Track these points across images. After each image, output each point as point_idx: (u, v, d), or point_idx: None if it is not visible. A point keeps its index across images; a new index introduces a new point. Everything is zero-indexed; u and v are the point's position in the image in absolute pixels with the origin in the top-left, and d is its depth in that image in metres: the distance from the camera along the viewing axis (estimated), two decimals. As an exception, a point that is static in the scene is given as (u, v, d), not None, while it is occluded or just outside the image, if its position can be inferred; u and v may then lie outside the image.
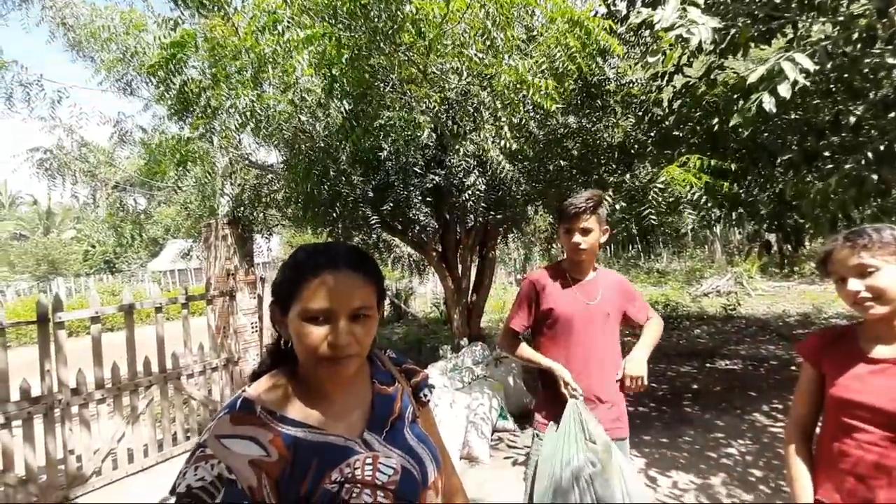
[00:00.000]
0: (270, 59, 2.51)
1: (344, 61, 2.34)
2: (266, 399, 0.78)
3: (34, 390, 3.26)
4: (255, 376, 0.85)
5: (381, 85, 2.63)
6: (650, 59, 2.38)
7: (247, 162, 3.87)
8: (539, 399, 1.92)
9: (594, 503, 1.56)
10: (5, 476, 3.07)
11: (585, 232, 1.75)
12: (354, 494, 0.73)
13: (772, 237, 3.92)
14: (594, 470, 1.59)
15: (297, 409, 0.79)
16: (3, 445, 3.08)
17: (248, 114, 2.65)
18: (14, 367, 3.18)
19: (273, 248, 4.86)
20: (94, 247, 26.20)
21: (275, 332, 0.87)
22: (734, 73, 3.86)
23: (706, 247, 16.84)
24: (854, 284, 1.12)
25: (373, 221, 3.75)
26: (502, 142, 2.58)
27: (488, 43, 2.42)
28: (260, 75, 2.71)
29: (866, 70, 2.95)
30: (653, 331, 1.93)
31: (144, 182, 4.83)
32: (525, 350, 1.91)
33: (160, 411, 3.91)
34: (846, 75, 3.15)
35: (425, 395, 0.98)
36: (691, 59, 3.42)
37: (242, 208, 3.93)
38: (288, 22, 2.28)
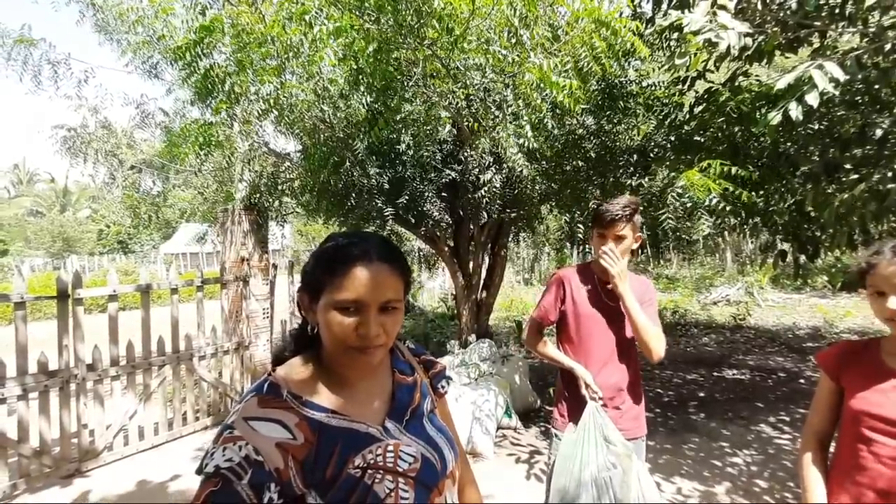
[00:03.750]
0: (296, 49, 2.53)
1: (369, 54, 2.35)
2: (292, 383, 0.80)
3: (51, 364, 3.34)
4: (279, 361, 0.87)
5: (405, 79, 2.64)
6: (678, 62, 2.35)
7: (265, 149, 3.90)
8: (558, 397, 1.94)
9: None
10: (21, 447, 3.16)
11: (619, 239, 1.75)
12: (377, 480, 0.75)
13: (786, 247, 3.88)
14: (614, 472, 1.61)
15: (321, 395, 0.80)
16: (20, 417, 3.17)
17: (271, 101, 2.67)
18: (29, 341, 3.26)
19: (286, 236, 4.90)
20: (108, 227, 26.59)
21: (299, 318, 0.89)
22: (757, 80, 3.81)
23: (717, 255, 16.69)
24: (895, 302, 1.12)
25: (387, 213, 3.77)
26: (521, 140, 2.58)
27: (514, 40, 2.41)
28: (284, 64, 2.73)
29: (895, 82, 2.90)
30: (652, 326, 1.75)
31: (162, 164, 4.89)
32: (548, 348, 1.93)
33: (172, 391, 3.98)
34: (876, 86, 3.10)
35: (443, 387, 1.00)
36: (717, 64, 3.38)
37: (259, 195, 3.97)
38: (316, 13, 2.29)
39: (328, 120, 3.06)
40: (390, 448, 0.79)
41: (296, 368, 0.84)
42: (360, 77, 2.54)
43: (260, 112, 2.86)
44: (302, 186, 4.00)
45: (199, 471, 0.68)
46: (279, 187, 4.03)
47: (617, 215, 1.72)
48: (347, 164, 3.40)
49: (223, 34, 2.96)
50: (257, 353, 4.38)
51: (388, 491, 0.75)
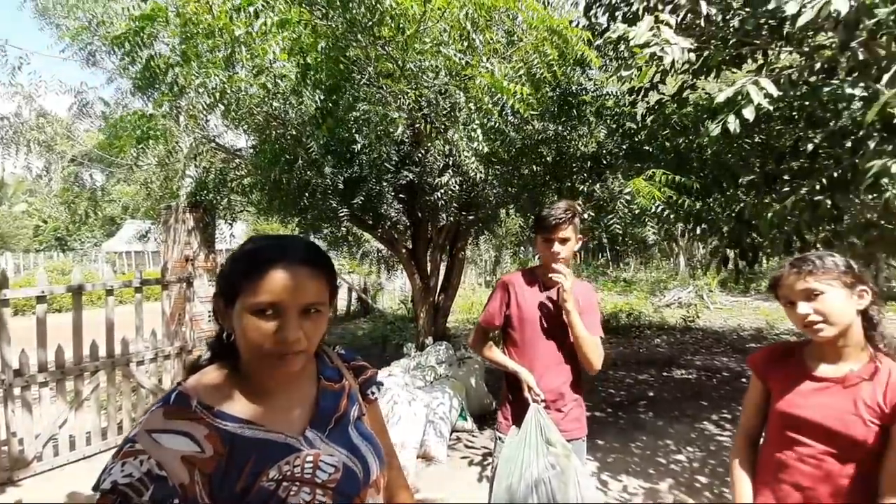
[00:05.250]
0: (243, 41, 2.43)
1: (319, 50, 2.29)
2: (204, 393, 0.76)
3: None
4: (194, 368, 0.83)
5: (357, 77, 2.59)
6: (623, 74, 2.43)
7: (213, 144, 3.74)
8: (503, 401, 1.96)
9: None
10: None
11: (564, 241, 1.80)
12: (292, 492, 0.72)
13: (730, 253, 4.07)
14: (553, 472, 1.63)
15: (236, 405, 0.77)
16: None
17: (217, 95, 2.56)
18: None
19: (237, 235, 4.72)
20: (45, 222, 24.93)
21: (217, 325, 0.85)
22: (706, 94, 3.99)
23: (671, 259, 17.40)
24: (803, 308, 1.18)
25: (342, 214, 3.69)
26: (474, 144, 2.58)
27: (466, 44, 2.41)
28: (233, 57, 2.62)
29: (826, 99, 3.09)
30: (592, 339, 1.81)
31: (103, 158, 4.60)
32: (493, 352, 1.95)
33: (106, 398, 3.75)
34: (807, 103, 3.30)
35: (372, 393, 0.98)
36: (664, 77, 3.51)
37: (206, 192, 3.80)
38: (262, 4, 2.21)
39: (279, 116, 2.96)
40: (309, 458, 0.76)
41: (209, 377, 0.80)
42: (309, 73, 2.47)
43: (205, 105, 2.74)
44: (252, 184, 3.86)
45: (96, 487, 0.65)
46: (228, 184, 3.87)
47: (560, 219, 1.77)
48: (300, 162, 3.30)
49: (167, 23, 2.82)
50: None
51: (304, 503, 0.73)
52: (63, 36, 3.82)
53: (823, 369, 1.20)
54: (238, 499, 0.70)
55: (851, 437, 1.12)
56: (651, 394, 5.17)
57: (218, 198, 3.92)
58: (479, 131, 2.43)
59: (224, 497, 0.69)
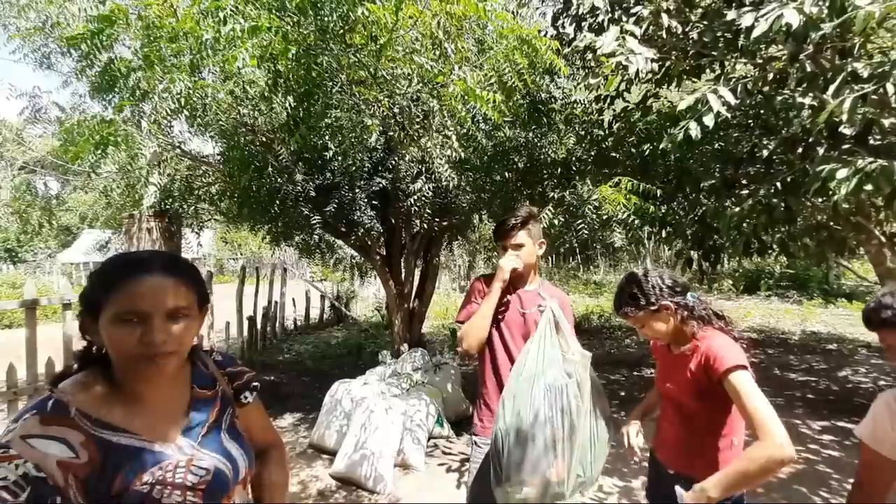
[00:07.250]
0: (211, 47, 2.38)
1: (290, 57, 2.27)
2: (81, 401, 0.80)
3: None
4: (60, 378, 0.85)
5: (329, 84, 2.57)
6: (591, 81, 2.51)
7: (178, 151, 3.62)
8: (479, 405, 1.96)
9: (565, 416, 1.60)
10: None
11: (518, 247, 1.85)
12: (165, 495, 0.78)
13: (694, 255, 4.24)
14: (570, 381, 1.62)
15: (112, 413, 0.81)
16: None
17: (182, 100, 2.49)
18: None
19: (204, 244, 4.58)
20: (-6, 233, 23.48)
21: (85, 342, 0.87)
22: (668, 102, 4.15)
23: (639, 261, 17.91)
24: (642, 333, 1.57)
25: (314, 222, 3.64)
26: (449, 150, 2.60)
27: (438, 52, 2.43)
28: (199, 62, 2.56)
29: (779, 108, 3.28)
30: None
31: (58, 165, 4.38)
32: (473, 317, 1.87)
33: (64, 418, 3.56)
34: (762, 111, 3.48)
35: (245, 398, 1.04)
36: (629, 87, 3.63)
37: (171, 200, 3.67)
38: (231, 10, 2.17)
39: (248, 122, 2.90)
40: (182, 464, 0.82)
41: (86, 386, 0.83)
42: (280, 80, 2.44)
43: (170, 111, 2.65)
44: (220, 192, 3.76)
45: None
46: (195, 192, 3.75)
47: (510, 225, 1.84)
48: (270, 169, 3.24)
49: (128, 26, 2.72)
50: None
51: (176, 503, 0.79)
52: (13, 37, 3.64)
53: (674, 350, 1.56)
54: (112, 501, 0.75)
55: (687, 400, 1.47)
56: (623, 393, 5.29)
57: (184, 206, 3.80)
58: (453, 138, 2.45)
59: (98, 499, 0.74)
